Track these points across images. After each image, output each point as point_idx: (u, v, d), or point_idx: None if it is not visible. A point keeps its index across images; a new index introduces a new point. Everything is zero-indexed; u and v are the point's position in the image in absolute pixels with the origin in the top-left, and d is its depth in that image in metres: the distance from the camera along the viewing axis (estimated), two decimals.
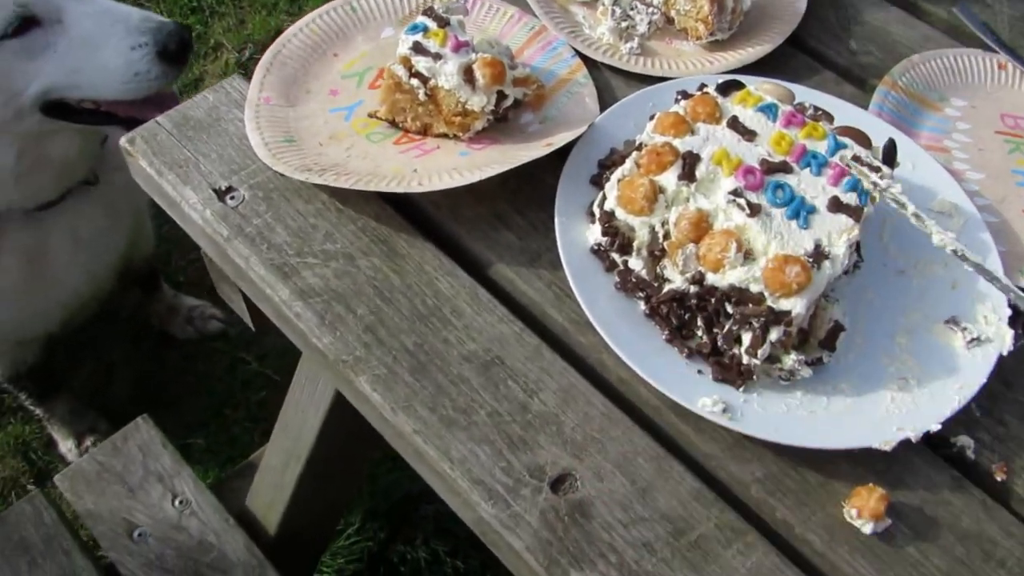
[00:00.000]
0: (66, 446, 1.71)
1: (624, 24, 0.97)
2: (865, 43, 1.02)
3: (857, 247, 0.78)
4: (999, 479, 0.70)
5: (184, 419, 1.76)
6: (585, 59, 0.93)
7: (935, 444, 0.71)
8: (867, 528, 0.66)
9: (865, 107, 0.92)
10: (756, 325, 0.66)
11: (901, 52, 1.00)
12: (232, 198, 0.79)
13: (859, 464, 0.69)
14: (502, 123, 0.85)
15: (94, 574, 1.07)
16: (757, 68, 0.95)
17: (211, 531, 1.06)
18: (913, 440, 0.68)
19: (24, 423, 1.76)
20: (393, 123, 0.85)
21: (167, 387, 1.80)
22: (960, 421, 0.72)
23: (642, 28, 0.98)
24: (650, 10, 0.98)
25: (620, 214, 0.71)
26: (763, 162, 0.73)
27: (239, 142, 0.83)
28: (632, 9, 0.98)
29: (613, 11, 0.97)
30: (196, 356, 1.86)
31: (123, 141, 0.84)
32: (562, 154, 0.81)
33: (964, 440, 0.72)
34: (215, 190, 0.80)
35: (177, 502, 1.11)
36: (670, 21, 1.00)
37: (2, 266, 1.25)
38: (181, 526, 1.07)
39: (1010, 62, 0.99)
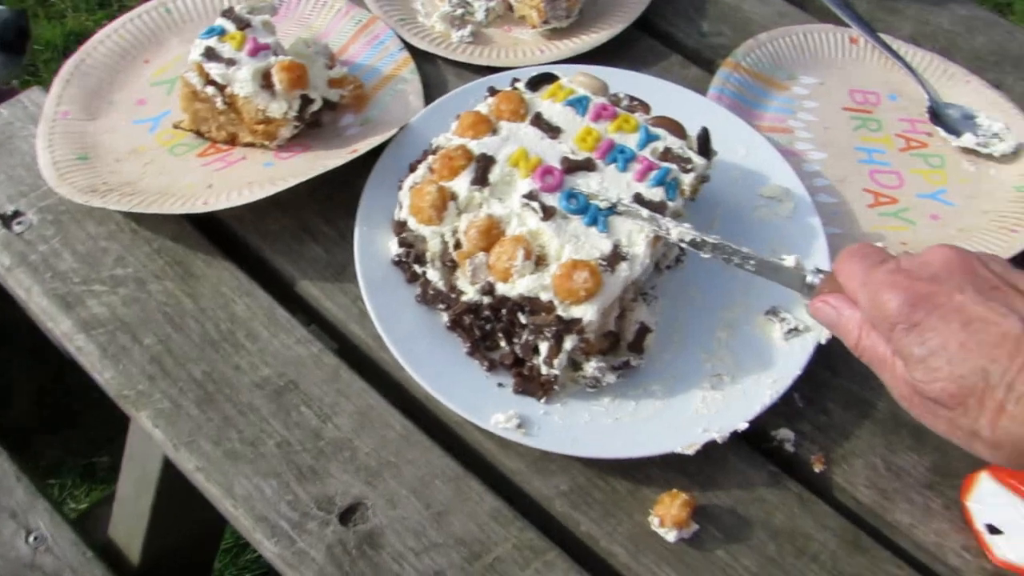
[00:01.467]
0: None
1: (460, 11, 0.93)
2: (717, 23, 0.99)
3: None
4: (817, 470, 0.68)
5: (88, 435, 1.70)
6: (418, 52, 0.89)
7: (754, 439, 0.69)
8: (671, 536, 0.63)
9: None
10: (549, 335, 0.63)
11: (754, 31, 0.96)
12: (19, 223, 0.75)
13: (670, 467, 0.67)
14: (315, 128, 0.81)
15: None
16: (601, 54, 0.91)
17: (67, 567, 1.01)
18: (720, 441, 0.65)
19: None
20: (199, 133, 0.80)
21: (70, 403, 1.75)
22: (782, 413, 0.70)
23: (479, 15, 0.94)
24: None
25: (412, 224, 0.68)
26: (564, 160, 0.69)
27: (31, 161, 0.78)
28: None
29: None
30: None
31: None
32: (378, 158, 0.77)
33: (784, 433, 0.70)
34: (0, 216, 0.75)
35: (31, 538, 1.05)
36: (511, 8, 0.96)
37: None
38: (35, 564, 1.03)
39: (862, 35, 0.96)
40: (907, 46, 0.95)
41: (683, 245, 0.64)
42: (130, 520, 1.03)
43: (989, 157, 0.86)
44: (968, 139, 0.86)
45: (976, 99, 0.90)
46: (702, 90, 0.88)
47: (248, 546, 1.51)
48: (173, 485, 0.96)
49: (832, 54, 0.95)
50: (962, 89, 0.91)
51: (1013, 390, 0.46)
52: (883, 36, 0.96)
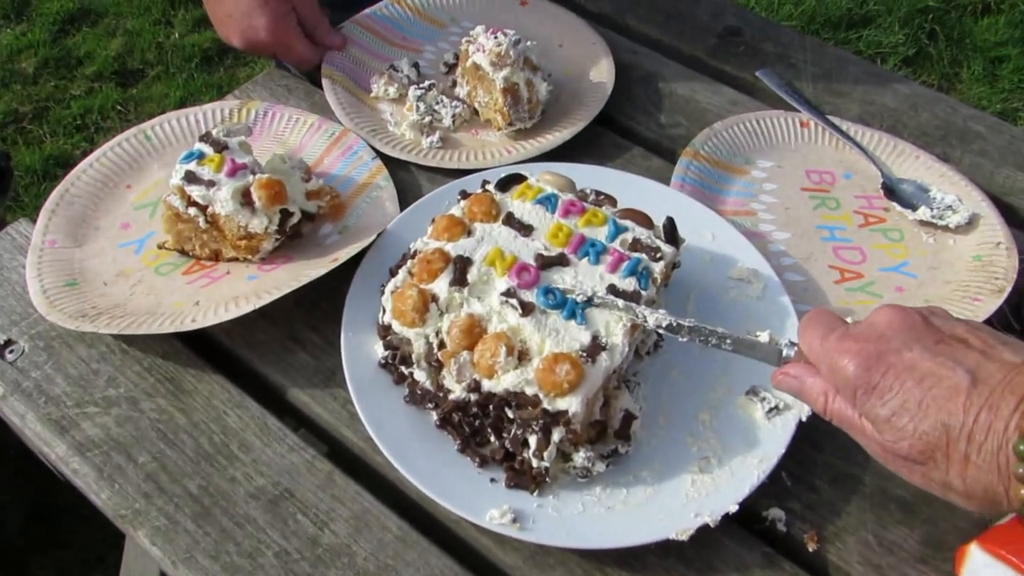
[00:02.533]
0: None
1: (428, 119, 0.98)
2: (674, 114, 1.04)
3: None
4: (811, 549, 0.69)
5: (81, 555, 1.68)
6: (391, 159, 0.93)
7: (747, 519, 0.70)
8: None
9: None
10: (536, 428, 0.65)
11: (709, 120, 1.01)
12: (11, 352, 0.76)
13: (667, 554, 0.67)
14: (297, 239, 0.84)
15: None
16: (566, 151, 0.96)
17: None
18: (712, 525, 0.66)
19: None
20: (183, 252, 0.83)
21: (62, 523, 1.72)
22: (771, 492, 0.71)
23: (447, 121, 0.98)
24: (454, 103, 0.99)
25: (396, 327, 0.70)
26: (539, 257, 0.72)
27: (21, 290, 0.80)
28: (438, 103, 0.99)
29: (418, 106, 0.98)
30: None
31: None
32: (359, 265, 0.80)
33: (775, 512, 0.71)
34: None
35: None
36: (476, 112, 1.00)
37: None
38: None
39: (812, 119, 1.01)
40: (856, 126, 1.00)
41: (660, 331, 0.66)
42: None
43: (946, 229, 0.90)
44: (924, 212, 0.90)
45: (927, 173, 0.95)
46: (665, 179, 0.92)
47: None
48: None
49: (786, 138, 1.01)
50: (912, 164, 0.96)
51: (972, 441, 0.48)
52: (832, 118, 1.01)
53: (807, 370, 0.58)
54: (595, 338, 0.68)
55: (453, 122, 0.98)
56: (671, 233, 0.76)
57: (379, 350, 0.74)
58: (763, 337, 0.63)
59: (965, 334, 0.53)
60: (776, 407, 0.73)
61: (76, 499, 1.78)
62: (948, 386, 0.50)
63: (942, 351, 0.51)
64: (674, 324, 0.66)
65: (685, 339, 0.65)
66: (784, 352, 0.61)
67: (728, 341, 0.64)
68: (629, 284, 0.71)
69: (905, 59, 2.54)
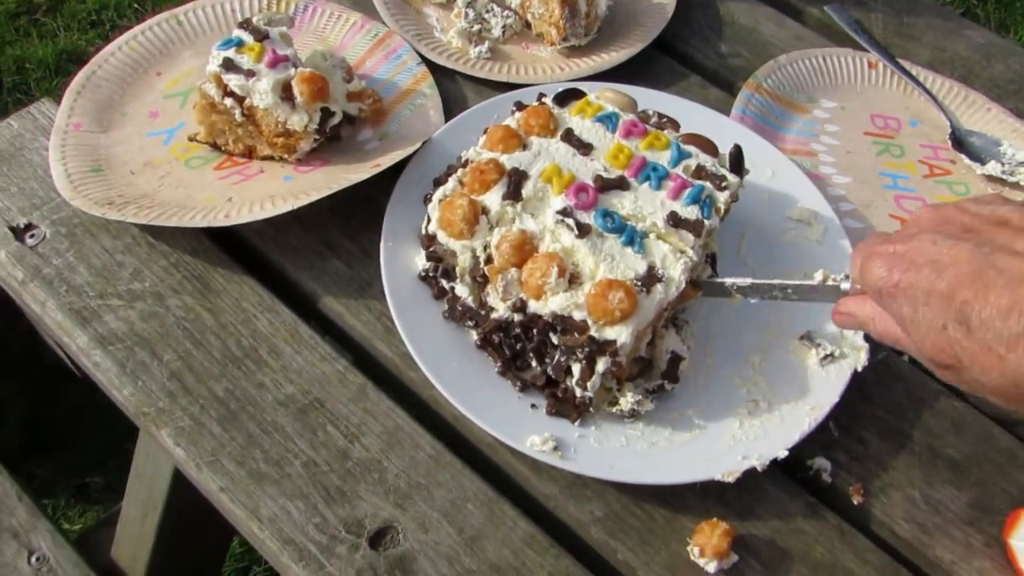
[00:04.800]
0: None
1: (477, 28, 0.92)
2: (735, 44, 0.99)
3: (713, 261, 0.74)
4: (856, 502, 0.66)
5: (81, 457, 1.67)
6: (436, 67, 0.88)
7: (790, 467, 0.67)
8: (711, 567, 0.61)
9: (729, 112, 0.88)
10: (581, 356, 0.61)
11: (772, 53, 0.96)
12: (32, 236, 0.73)
13: (708, 496, 0.65)
14: (335, 142, 0.80)
15: None
16: (620, 74, 0.91)
17: None
18: (759, 469, 0.63)
19: None
20: (215, 146, 0.78)
21: (62, 425, 1.71)
22: (817, 441, 0.68)
23: (496, 32, 0.93)
24: (505, 13, 0.93)
25: (442, 237, 0.66)
26: (597, 178, 0.68)
27: (44, 174, 0.76)
28: (488, 12, 0.93)
29: (467, 13, 0.92)
30: (94, 390, 1.76)
31: None
32: (400, 173, 0.76)
33: (820, 462, 0.68)
34: (12, 228, 0.73)
35: (34, 559, 1.02)
36: (528, 25, 0.95)
37: None
38: None
39: (881, 61, 0.96)
40: (926, 72, 0.95)
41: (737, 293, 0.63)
42: (134, 542, 0.99)
43: (1015, 186, 0.85)
44: (993, 167, 0.85)
45: (998, 127, 0.90)
46: (722, 111, 0.87)
47: (248, 571, 1.47)
48: (180, 506, 0.93)
49: (851, 79, 0.95)
50: (983, 116, 0.91)
51: (990, 327, 0.44)
52: (901, 61, 0.96)
53: (858, 301, 0.55)
54: (651, 268, 0.64)
55: (503, 33, 0.93)
56: (737, 162, 0.72)
57: (420, 262, 0.70)
58: (818, 276, 0.59)
59: (1008, 214, 0.48)
60: (831, 354, 0.70)
61: (78, 400, 1.76)
62: (965, 272, 0.45)
63: (968, 237, 0.47)
64: (751, 285, 0.63)
65: (755, 300, 0.63)
66: (843, 287, 0.58)
67: (791, 291, 0.61)
68: (692, 212, 0.67)
69: None
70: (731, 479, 0.63)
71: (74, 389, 1.76)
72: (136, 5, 2.37)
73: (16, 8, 2.33)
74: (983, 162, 0.86)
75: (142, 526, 1.00)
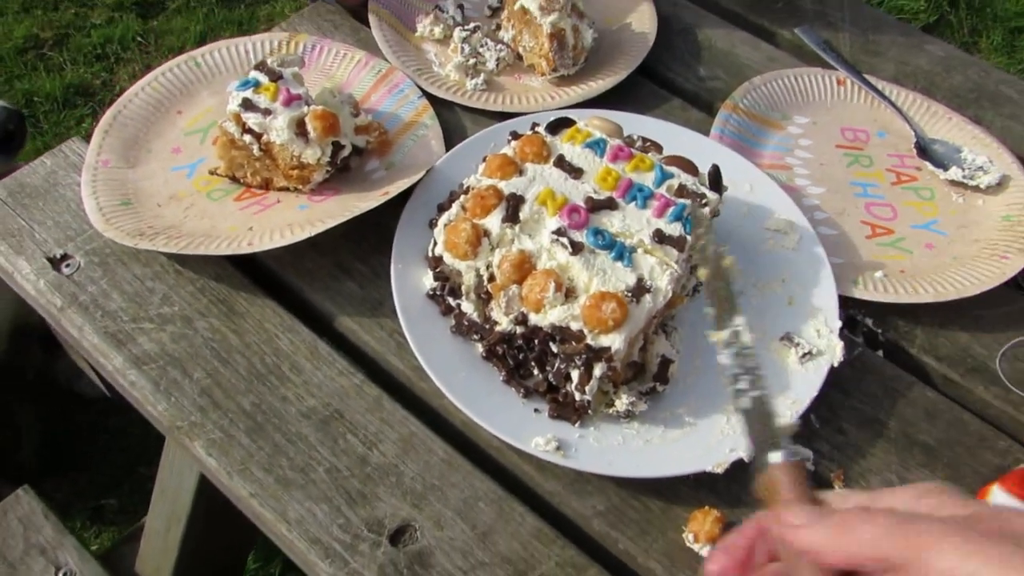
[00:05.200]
0: None
1: (472, 61, 0.99)
2: (713, 68, 1.05)
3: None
4: (837, 487, 0.72)
5: (97, 480, 1.71)
6: (435, 99, 0.94)
7: None
8: (705, 551, 0.67)
9: (709, 131, 0.94)
10: (579, 362, 0.67)
11: (747, 74, 1.03)
12: (67, 266, 0.78)
13: (700, 487, 0.70)
14: (344, 172, 0.86)
15: None
16: (606, 100, 0.97)
17: None
18: (746, 460, 0.69)
19: None
20: (234, 179, 0.84)
21: (78, 448, 1.76)
22: (800, 433, 0.74)
23: (491, 64, 0.99)
24: (498, 47, 1.00)
25: (447, 259, 0.72)
26: (588, 199, 0.74)
27: (76, 207, 0.82)
28: (482, 46, 1.00)
29: (463, 48, 0.99)
30: (108, 412, 1.81)
31: None
32: (407, 200, 0.82)
33: (804, 453, 0.73)
34: (50, 259, 0.79)
35: (61, 574, 1.08)
36: (520, 57, 1.01)
37: None
38: None
39: (849, 77, 1.02)
40: (891, 86, 1.02)
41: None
42: (158, 555, 1.05)
43: (976, 189, 0.92)
44: (955, 172, 0.92)
45: (959, 134, 0.97)
46: (702, 131, 0.94)
47: None
48: (202, 519, 0.98)
49: (822, 95, 1.02)
50: (945, 125, 0.98)
51: None
52: (868, 77, 1.02)
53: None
54: (640, 280, 0.70)
55: (497, 65, 0.99)
56: (716, 180, 0.78)
57: (427, 282, 0.76)
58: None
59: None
60: (809, 352, 0.75)
61: (91, 424, 1.81)
62: None
63: None
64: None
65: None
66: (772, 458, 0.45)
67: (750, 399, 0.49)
68: (675, 229, 0.73)
69: (926, 26, 2.53)
70: (720, 470, 0.68)
71: (87, 414, 1.81)
72: (140, 38, 2.44)
73: (23, 43, 2.39)
74: (946, 168, 0.93)
75: (166, 539, 1.05)
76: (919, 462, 0.73)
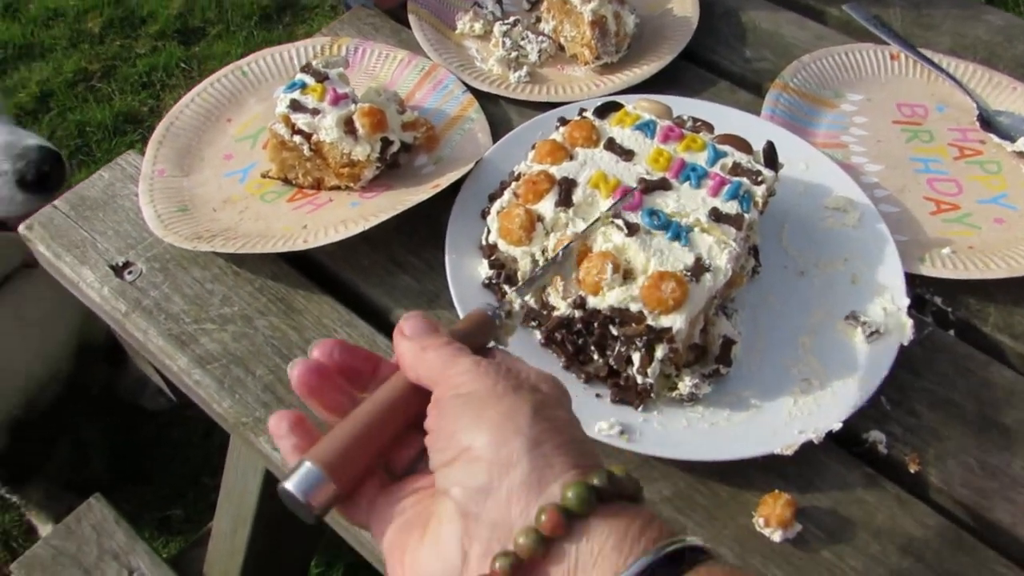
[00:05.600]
0: (45, 531, 1.70)
1: (515, 54, 0.98)
2: (759, 48, 1.04)
3: (756, 253, 0.79)
4: (912, 471, 0.70)
5: (162, 491, 1.75)
6: (480, 94, 0.94)
7: (847, 442, 0.71)
8: (776, 536, 0.65)
9: (760, 112, 0.93)
10: (640, 344, 0.66)
11: (795, 54, 1.01)
12: (130, 273, 0.80)
13: (769, 471, 0.69)
14: (394, 169, 0.86)
15: None
16: (651, 86, 0.96)
17: None
18: (816, 442, 0.67)
19: (2, 512, 1.75)
20: (286, 180, 0.85)
21: (143, 461, 1.79)
22: (870, 416, 0.72)
23: (533, 56, 0.99)
24: (540, 38, 1.00)
25: (502, 246, 0.72)
26: (641, 181, 0.73)
27: (135, 216, 0.84)
28: (523, 39, 1.00)
29: (504, 42, 0.99)
30: (171, 424, 1.85)
31: (22, 228, 0.84)
32: (457, 192, 0.82)
33: (875, 435, 0.71)
34: (112, 267, 0.80)
35: None
36: (561, 48, 1.01)
37: None
38: None
39: (902, 52, 1.00)
40: (948, 58, 0.99)
41: None
42: (225, 557, 1.06)
43: None
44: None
45: None
46: (753, 112, 0.92)
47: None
48: (268, 520, 0.99)
49: (875, 71, 0.99)
50: (1009, 96, 0.95)
51: None
52: (923, 51, 0.99)
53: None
54: (698, 259, 0.68)
55: (539, 57, 0.99)
56: (771, 157, 0.76)
57: (482, 271, 0.76)
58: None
59: None
60: (877, 331, 0.73)
61: (159, 434, 1.84)
62: None
63: None
64: None
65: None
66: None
67: None
68: (731, 208, 0.72)
69: None
70: (790, 452, 0.66)
71: (150, 428, 1.85)
72: (183, 65, 2.50)
73: (73, 77, 2.47)
74: (1013, 139, 0.90)
75: (232, 541, 1.06)
76: (999, 445, 0.70)
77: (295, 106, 0.80)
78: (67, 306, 1.41)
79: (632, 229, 0.69)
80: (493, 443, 0.41)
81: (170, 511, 1.71)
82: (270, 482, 0.98)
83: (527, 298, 0.72)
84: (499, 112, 0.94)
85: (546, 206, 0.71)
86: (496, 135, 0.89)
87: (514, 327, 0.53)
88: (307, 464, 0.44)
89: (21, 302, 1.31)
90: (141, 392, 1.81)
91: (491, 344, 0.52)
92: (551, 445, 0.42)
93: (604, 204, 0.71)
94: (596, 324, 0.68)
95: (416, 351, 0.47)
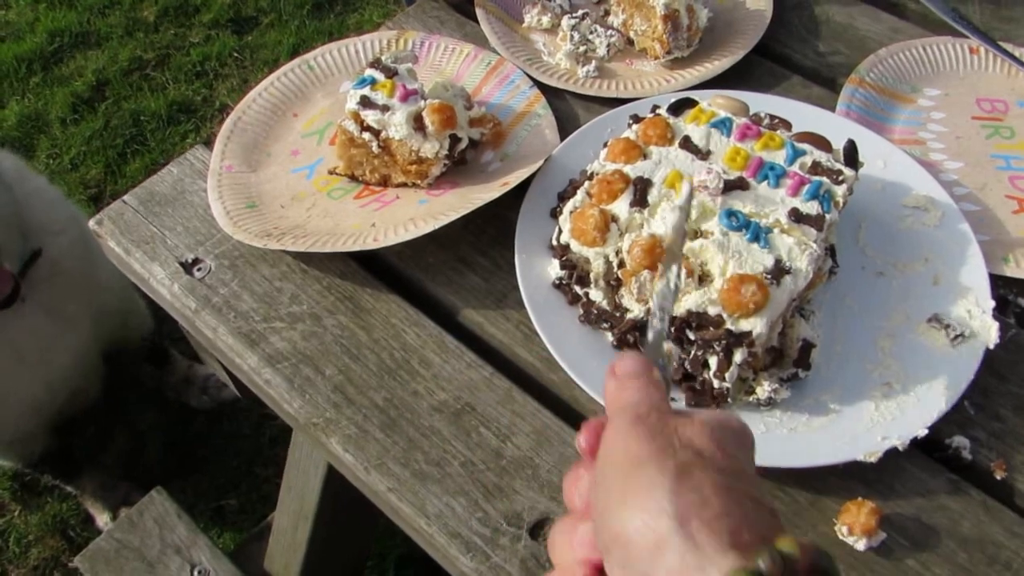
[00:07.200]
0: (102, 520, 1.73)
1: (583, 48, 0.97)
2: (832, 42, 1.01)
3: (832, 253, 0.77)
4: (999, 477, 0.67)
5: (216, 481, 1.77)
6: (547, 88, 0.93)
7: (929, 447, 0.69)
8: (860, 544, 0.63)
9: (834, 108, 0.90)
10: (718, 348, 0.64)
11: (870, 47, 0.98)
12: (199, 270, 0.80)
13: (850, 477, 0.67)
14: (461, 166, 0.85)
15: None
16: (723, 81, 0.94)
17: None
18: (900, 448, 0.65)
19: (61, 501, 1.78)
20: (353, 177, 0.85)
21: (197, 451, 1.82)
22: (954, 421, 0.69)
23: (601, 51, 0.97)
24: (609, 32, 0.98)
25: (575, 246, 0.70)
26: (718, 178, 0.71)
27: (204, 212, 0.84)
28: (591, 33, 0.98)
29: (572, 36, 0.97)
30: (222, 417, 1.87)
31: (92, 223, 0.85)
32: (525, 190, 0.81)
33: (959, 440, 0.69)
34: (182, 263, 0.81)
35: (196, 572, 1.11)
36: (630, 42, 0.99)
37: None
38: None
39: (982, 45, 0.96)
40: None
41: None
42: (286, 552, 1.07)
43: None
44: None
45: None
46: (827, 108, 0.89)
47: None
48: (329, 516, 1.00)
49: (953, 65, 0.96)
50: None
51: None
52: (1003, 45, 0.96)
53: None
54: (778, 262, 0.67)
55: (608, 51, 0.97)
56: (851, 156, 0.74)
57: (552, 271, 0.75)
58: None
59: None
60: (962, 334, 0.71)
61: (210, 427, 1.87)
62: None
63: None
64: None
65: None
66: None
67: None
68: (812, 208, 0.70)
69: None
70: (873, 459, 0.65)
71: (202, 418, 1.87)
72: (236, 54, 2.52)
73: (128, 65, 2.50)
74: None
75: (294, 537, 1.07)
76: None
77: (365, 102, 0.80)
78: (73, 325, 1.37)
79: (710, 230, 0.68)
80: (640, 529, 0.37)
81: (224, 501, 1.73)
82: (331, 480, 0.98)
83: (600, 299, 0.71)
84: (566, 108, 0.93)
85: (621, 206, 0.70)
86: (564, 131, 0.88)
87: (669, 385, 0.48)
88: None
89: (15, 334, 1.26)
90: (187, 391, 1.84)
91: None
92: (699, 522, 0.37)
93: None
94: (672, 328, 0.67)
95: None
